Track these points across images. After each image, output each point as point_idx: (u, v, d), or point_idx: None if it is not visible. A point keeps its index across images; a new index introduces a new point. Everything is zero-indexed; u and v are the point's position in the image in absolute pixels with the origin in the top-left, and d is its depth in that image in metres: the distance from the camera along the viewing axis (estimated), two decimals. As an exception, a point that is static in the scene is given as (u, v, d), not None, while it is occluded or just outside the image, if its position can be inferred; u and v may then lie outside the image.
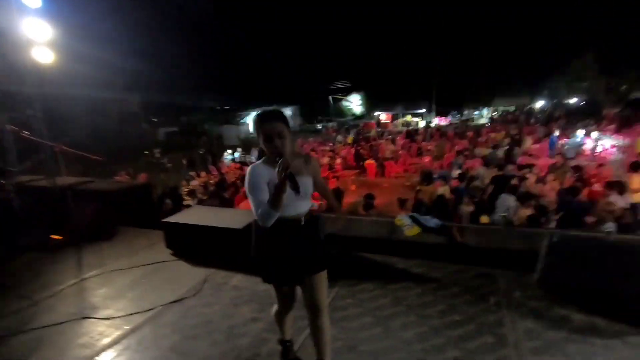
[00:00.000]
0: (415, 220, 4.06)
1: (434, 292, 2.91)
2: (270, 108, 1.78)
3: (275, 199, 1.64)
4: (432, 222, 4.02)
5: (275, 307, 2.16)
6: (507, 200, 5.40)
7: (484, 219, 5.65)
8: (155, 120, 31.38)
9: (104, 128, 22.44)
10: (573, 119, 20.61)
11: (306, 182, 1.85)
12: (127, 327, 2.71)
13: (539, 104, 34.53)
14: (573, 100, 31.44)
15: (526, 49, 35.56)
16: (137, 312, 2.90)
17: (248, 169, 1.81)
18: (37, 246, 4.28)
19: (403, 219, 4.09)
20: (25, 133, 4.11)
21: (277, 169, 1.58)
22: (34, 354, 2.47)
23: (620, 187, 5.54)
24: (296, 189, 1.60)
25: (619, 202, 5.10)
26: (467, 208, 5.99)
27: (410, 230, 3.91)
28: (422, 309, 2.71)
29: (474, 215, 5.64)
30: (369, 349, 2.33)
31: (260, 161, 1.84)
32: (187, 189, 8.24)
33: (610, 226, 4.36)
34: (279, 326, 2.24)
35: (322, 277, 1.93)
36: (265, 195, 1.70)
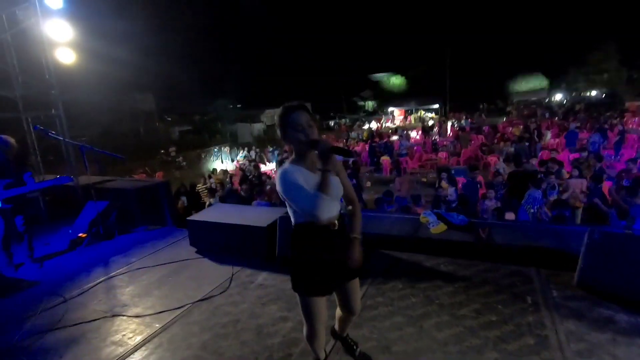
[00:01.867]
0: (440, 217, 3.98)
1: (466, 291, 2.83)
2: (294, 102, 1.75)
3: (323, 182, 1.57)
4: (458, 219, 3.92)
5: (306, 329, 1.88)
6: (535, 196, 5.25)
7: (510, 215, 5.52)
8: (169, 119, 31.76)
9: (119, 127, 22.80)
10: (594, 112, 20.01)
11: (337, 182, 1.76)
12: (157, 325, 2.71)
13: (557, 97, 33.66)
14: (593, 93, 30.57)
15: (543, 40, 34.64)
16: (166, 310, 2.90)
17: (279, 173, 1.68)
18: (65, 244, 4.35)
19: (428, 216, 4.00)
20: (52, 133, 4.16)
21: (318, 150, 1.60)
22: (69, 350, 2.49)
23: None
24: (350, 154, 1.76)
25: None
26: (490, 203, 5.87)
27: (436, 227, 3.82)
28: (455, 308, 2.63)
29: (498, 211, 5.51)
30: (403, 349, 2.28)
31: (288, 163, 1.73)
32: (205, 187, 8.28)
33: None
34: (315, 347, 1.98)
35: (357, 280, 1.93)
36: (308, 190, 1.62)
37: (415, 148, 14.62)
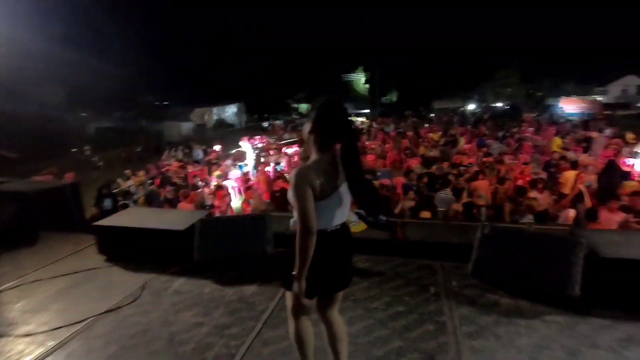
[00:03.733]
0: (361, 217, 4.17)
1: (379, 286, 3.01)
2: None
3: None
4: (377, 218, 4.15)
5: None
6: (446, 196, 5.76)
7: (425, 214, 5.98)
8: (84, 114, 28.72)
9: (20, 122, 20.04)
10: (499, 121, 22.58)
11: None
12: (51, 343, 2.43)
13: (471, 106, 37.43)
14: (499, 104, 34.57)
15: (459, 58, 38.53)
16: (64, 326, 2.62)
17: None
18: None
19: (350, 216, 4.18)
20: None
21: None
22: None
23: (539, 185, 6.25)
24: None
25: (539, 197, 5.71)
26: (408, 203, 6.29)
27: (357, 226, 4.00)
28: (369, 302, 2.78)
29: (415, 211, 5.94)
30: (317, 345, 2.34)
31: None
32: (121, 189, 7.64)
33: (530, 218, 4.86)
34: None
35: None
36: None
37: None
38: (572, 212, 5.58)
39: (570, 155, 9.73)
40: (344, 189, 1.70)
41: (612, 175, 6.92)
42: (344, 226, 1.81)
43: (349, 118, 1.71)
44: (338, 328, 1.95)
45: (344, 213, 1.77)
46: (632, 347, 2.19)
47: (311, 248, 1.60)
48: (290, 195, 1.62)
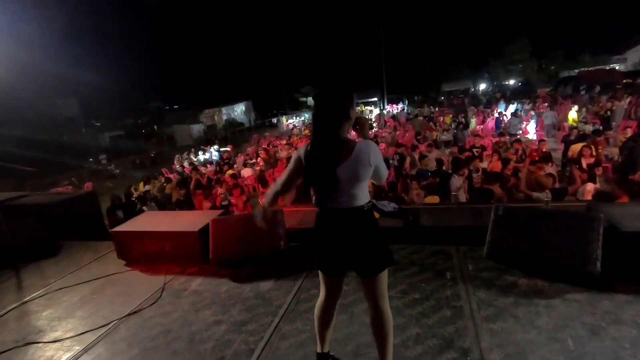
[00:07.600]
0: (373, 207, 4.14)
1: (394, 274, 2.99)
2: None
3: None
4: (389, 206, 4.12)
5: (387, 306, 1.93)
6: (456, 180, 5.66)
7: (433, 199, 5.89)
8: (98, 124, 29.40)
9: (37, 136, 20.66)
10: (512, 99, 22.02)
11: None
12: (78, 348, 2.52)
13: (482, 86, 36.54)
14: (511, 82, 33.65)
15: (467, 36, 37.58)
16: (89, 330, 2.71)
17: (371, 144, 1.73)
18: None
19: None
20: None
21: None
22: (-29, 390, 2.24)
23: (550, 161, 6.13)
24: None
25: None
26: (415, 192, 6.21)
27: (368, 216, 3.98)
28: (384, 291, 2.77)
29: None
30: (334, 337, 2.35)
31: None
32: (137, 194, 7.80)
33: (546, 196, 4.74)
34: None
35: None
36: None
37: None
38: (589, 187, 5.41)
39: (587, 129, 9.43)
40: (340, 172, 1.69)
41: (635, 146, 6.66)
42: (344, 211, 1.76)
43: (336, 108, 1.73)
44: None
45: (339, 196, 1.74)
46: (658, 321, 2.12)
47: (268, 195, 1.98)
48: None
